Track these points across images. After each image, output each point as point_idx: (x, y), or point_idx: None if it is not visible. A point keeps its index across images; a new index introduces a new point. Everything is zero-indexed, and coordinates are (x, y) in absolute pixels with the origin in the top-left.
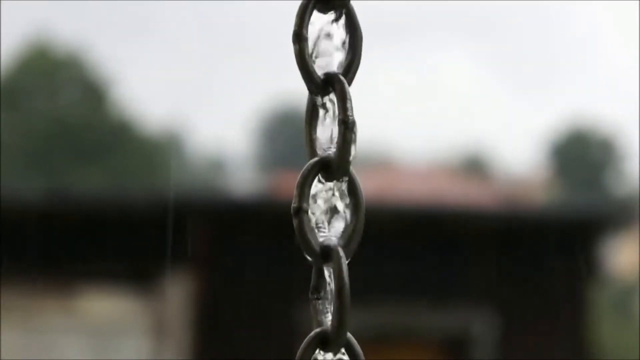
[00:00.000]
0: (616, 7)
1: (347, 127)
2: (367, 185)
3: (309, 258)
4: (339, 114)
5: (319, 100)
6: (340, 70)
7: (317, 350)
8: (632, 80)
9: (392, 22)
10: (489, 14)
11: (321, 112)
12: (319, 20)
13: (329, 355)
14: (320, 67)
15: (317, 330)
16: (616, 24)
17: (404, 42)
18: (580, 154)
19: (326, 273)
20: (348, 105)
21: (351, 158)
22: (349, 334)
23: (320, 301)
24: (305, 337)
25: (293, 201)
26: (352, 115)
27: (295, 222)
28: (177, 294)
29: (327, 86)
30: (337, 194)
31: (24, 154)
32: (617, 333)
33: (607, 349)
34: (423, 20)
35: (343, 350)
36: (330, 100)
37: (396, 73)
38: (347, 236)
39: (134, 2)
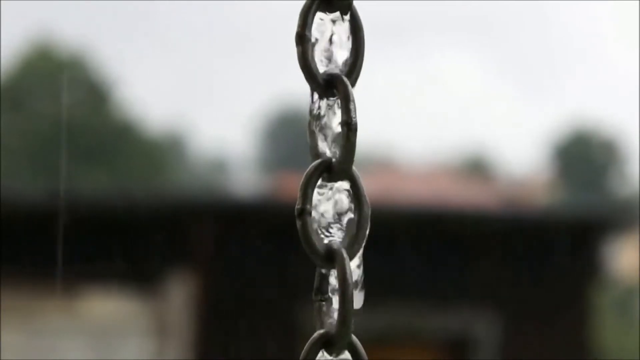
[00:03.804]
0: (618, 8)
1: (350, 128)
2: (369, 187)
3: (312, 259)
4: (342, 115)
5: (322, 101)
6: (344, 72)
7: (321, 352)
8: (634, 82)
9: (395, 23)
10: (491, 15)
11: (324, 113)
12: (322, 21)
13: (333, 356)
14: (323, 68)
15: (321, 331)
16: (619, 26)
17: (405, 42)
18: (583, 156)
19: (330, 274)
20: (351, 106)
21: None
22: (352, 336)
23: (323, 303)
24: (308, 339)
25: (297, 202)
26: (355, 117)
27: (298, 223)
28: (179, 294)
29: (330, 87)
30: (340, 195)
31: (26, 155)
32: (619, 334)
33: (608, 350)
34: (425, 21)
35: (347, 351)
36: (334, 101)
37: (397, 74)
38: (351, 238)
39: (136, 3)
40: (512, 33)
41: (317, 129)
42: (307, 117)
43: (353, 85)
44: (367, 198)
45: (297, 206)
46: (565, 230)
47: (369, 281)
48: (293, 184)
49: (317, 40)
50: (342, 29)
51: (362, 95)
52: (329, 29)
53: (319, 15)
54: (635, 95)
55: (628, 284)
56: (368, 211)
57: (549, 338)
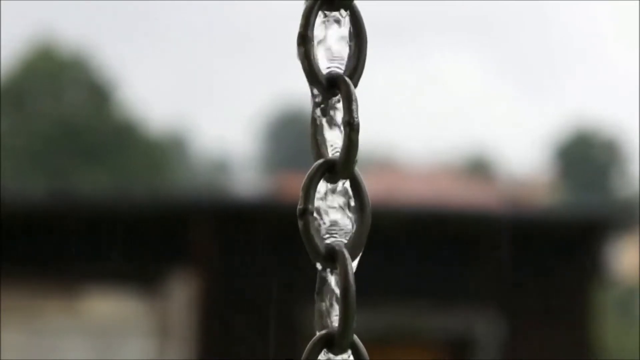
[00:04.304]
0: (618, 8)
1: (352, 128)
2: (371, 187)
3: (314, 260)
4: (344, 115)
5: (324, 101)
6: (346, 72)
7: (323, 352)
8: (634, 82)
9: (395, 23)
10: (491, 15)
11: (326, 113)
12: (324, 22)
13: (335, 356)
14: (325, 69)
15: (323, 332)
16: (619, 26)
17: (405, 42)
18: (584, 156)
19: (331, 275)
20: (353, 106)
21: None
22: (354, 336)
23: (325, 303)
24: (310, 339)
25: (298, 203)
26: (358, 117)
27: (300, 223)
28: (180, 294)
29: (332, 88)
30: (342, 195)
31: (28, 155)
32: (620, 334)
33: (610, 350)
34: (425, 21)
35: (349, 351)
36: (336, 101)
37: (397, 74)
38: (353, 238)
39: (136, 3)
40: (512, 33)
41: (319, 129)
42: (309, 117)
43: (355, 85)
44: (369, 198)
45: (299, 206)
46: (566, 231)
47: (370, 281)
48: (295, 184)
49: (319, 40)
50: (344, 29)
51: (363, 95)
52: (331, 29)
53: (321, 15)
54: (635, 95)
55: (629, 284)
56: (369, 211)
57: (550, 338)
